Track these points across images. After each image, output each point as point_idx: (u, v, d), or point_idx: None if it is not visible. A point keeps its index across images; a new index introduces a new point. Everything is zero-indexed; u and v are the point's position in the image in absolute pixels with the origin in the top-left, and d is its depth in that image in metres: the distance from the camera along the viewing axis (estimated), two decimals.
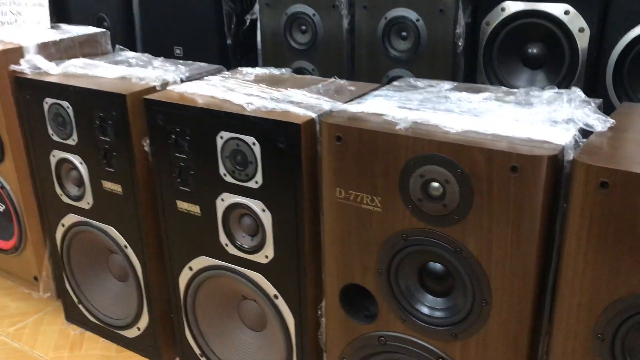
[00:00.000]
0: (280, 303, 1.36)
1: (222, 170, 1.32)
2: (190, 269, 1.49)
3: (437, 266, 1.12)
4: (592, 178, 0.89)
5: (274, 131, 1.21)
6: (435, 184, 1.04)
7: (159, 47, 2.39)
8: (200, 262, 1.46)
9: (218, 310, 1.53)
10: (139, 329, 1.71)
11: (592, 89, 1.63)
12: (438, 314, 1.13)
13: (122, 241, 1.62)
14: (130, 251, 1.61)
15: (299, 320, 1.35)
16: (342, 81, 1.47)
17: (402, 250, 1.12)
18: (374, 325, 1.21)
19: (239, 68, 1.64)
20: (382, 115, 1.13)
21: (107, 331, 1.81)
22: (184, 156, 1.38)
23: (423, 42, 1.78)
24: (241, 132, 1.26)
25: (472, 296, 1.06)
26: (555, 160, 0.95)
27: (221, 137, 1.29)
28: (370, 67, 1.89)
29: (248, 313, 1.52)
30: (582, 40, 1.59)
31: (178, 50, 2.41)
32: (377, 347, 1.21)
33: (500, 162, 0.96)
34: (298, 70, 2.05)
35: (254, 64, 2.17)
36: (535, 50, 1.70)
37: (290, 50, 2.08)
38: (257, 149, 1.24)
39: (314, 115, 1.21)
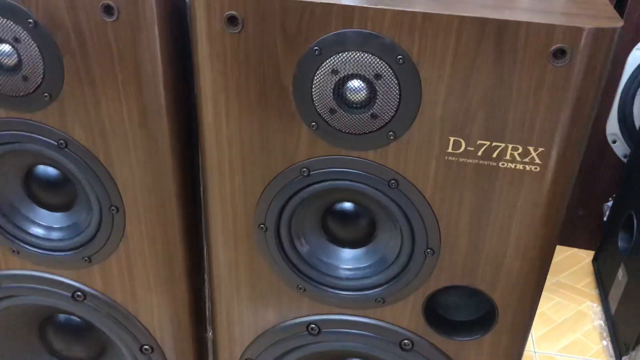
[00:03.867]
0: None
1: None
2: None
3: (47, 169, 0.78)
4: (215, 12, 0.61)
5: None
6: (2, 46, 0.67)
7: None
8: None
9: None
10: None
11: None
12: (58, 235, 0.80)
13: None
14: None
15: None
16: None
17: None
18: None
19: None
20: None
21: None
22: None
23: None
24: None
25: (97, 204, 0.76)
26: None
27: None
28: None
29: None
30: None
31: None
32: None
33: (84, 1, 0.63)
34: None
35: None
36: None
37: None
38: None
39: None
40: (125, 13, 0.63)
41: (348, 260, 0.76)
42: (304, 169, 0.68)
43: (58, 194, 0.79)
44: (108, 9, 0.63)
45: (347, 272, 0.75)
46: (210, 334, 0.92)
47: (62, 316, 0.93)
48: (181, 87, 0.71)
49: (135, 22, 0.63)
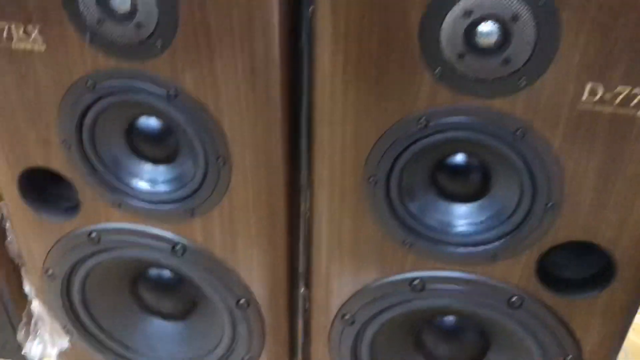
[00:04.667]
0: None
1: None
2: None
3: (150, 121, 0.77)
4: None
5: None
6: None
7: None
8: None
9: None
10: None
11: None
12: (163, 187, 0.80)
13: None
14: None
15: None
16: None
17: (92, 106, 0.74)
18: (80, 219, 0.85)
19: None
20: None
21: None
22: None
23: None
24: None
25: (203, 156, 0.75)
26: None
27: None
28: None
29: None
30: None
31: None
32: (89, 246, 0.86)
33: None
34: None
35: None
36: None
37: None
38: None
39: None
40: None
41: (459, 215, 0.74)
42: (423, 119, 0.66)
43: (161, 146, 0.79)
44: None
45: (459, 228, 0.73)
46: (302, 289, 0.91)
47: (153, 270, 0.94)
48: (293, 41, 0.69)
49: None
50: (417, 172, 0.72)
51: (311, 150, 0.74)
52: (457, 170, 0.72)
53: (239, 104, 0.70)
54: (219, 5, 0.64)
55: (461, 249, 0.74)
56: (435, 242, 0.74)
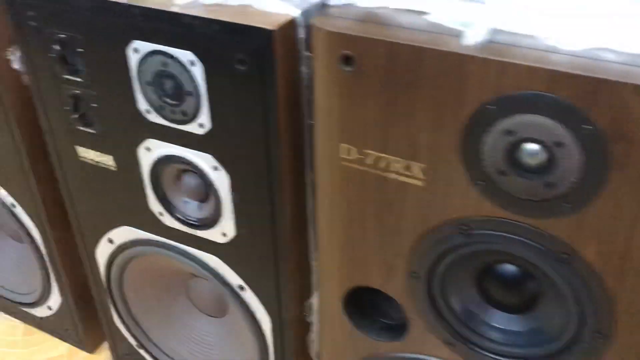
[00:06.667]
0: (249, 297, 0.92)
1: (142, 105, 0.80)
2: (111, 241, 1.01)
3: (510, 267, 0.68)
4: None
5: (226, 42, 0.69)
6: (534, 147, 0.57)
7: None
8: (124, 233, 0.98)
9: (157, 292, 1.08)
10: (49, 308, 1.26)
11: None
12: (512, 339, 0.70)
13: (9, 199, 1.11)
14: (19, 210, 1.12)
15: (277, 321, 0.92)
16: None
17: (457, 249, 0.67)
18: (402, 344, 0.79)
19: None
20: (425, 14, 0.62)
21: (11, 307, 1.35)
22: (79, 79, 0.84)
23: None
24: (170, 43, 0.73)
25: (577, 322, 0.64)
26: None
27: (136, 51, 0.76)
28: None
29: (202, 295, 1.08)
30: None
31: None
32: None
33: None
34: None
35: None
36: None
37: None
38: (198, 71, 0.72)
39: (295, 13, 0.68)
40: None
41: None
42: None
43: (518, 296, 0.69)
44: None
45: None
46: None
47: None
48: None
49: None
50: None
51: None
52: None
53: None
54: None
55: None
56: None
